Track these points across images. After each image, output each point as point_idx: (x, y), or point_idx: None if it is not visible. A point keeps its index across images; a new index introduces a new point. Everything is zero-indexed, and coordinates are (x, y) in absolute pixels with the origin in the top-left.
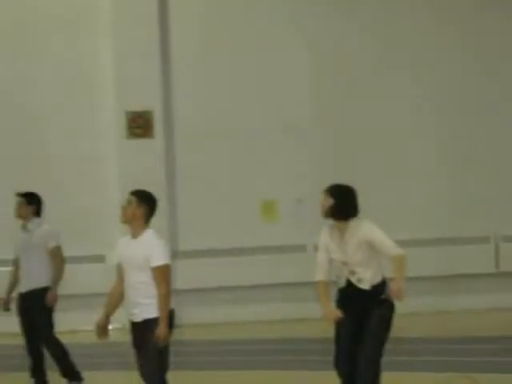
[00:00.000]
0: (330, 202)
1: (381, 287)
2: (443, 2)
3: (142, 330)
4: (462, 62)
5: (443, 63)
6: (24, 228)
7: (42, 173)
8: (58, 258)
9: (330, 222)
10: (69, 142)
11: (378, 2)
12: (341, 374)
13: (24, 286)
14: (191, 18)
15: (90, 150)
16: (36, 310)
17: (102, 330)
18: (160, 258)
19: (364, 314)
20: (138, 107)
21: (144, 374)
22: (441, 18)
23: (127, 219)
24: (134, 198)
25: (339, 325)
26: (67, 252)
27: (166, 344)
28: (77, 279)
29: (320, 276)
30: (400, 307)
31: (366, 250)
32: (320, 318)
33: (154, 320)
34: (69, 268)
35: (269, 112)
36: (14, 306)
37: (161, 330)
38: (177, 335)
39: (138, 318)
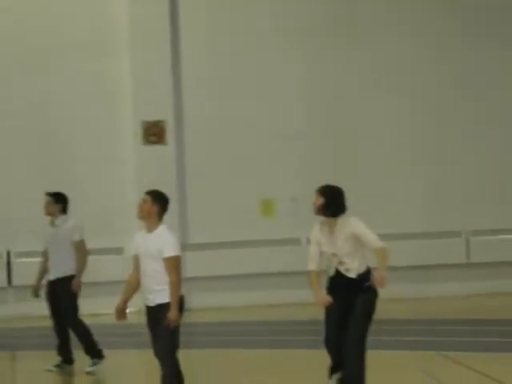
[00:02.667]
0: (321, 200)
1: (365, 275)
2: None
3: (155, 314)
4: (436, 71)
5: (418, 71)
6: (52, 224)
7: (68, 174)
8: (81, 250)
9: (321, 218)
10: (92, 147)
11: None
12: (330, 352)
13: (52, 275)
14: (199, 38)
15: (110, 154)
16: (63, 296)
17: (121, 313)
18: (171, 250)
19: (351, 299)
20: (152, 117)
21: (157, 352)
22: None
23: (143, 216)
24: (149, 198)
25: (329, 309)
26: (90, 244)
27: (177, 326)
28: (99, 268)
29: (312, 266)
30: (382, 293)
31: (352, 243)
32: (312, 302)
33: (166, 305)
34: (91, 259)
35: (270, 122)
36: (43, 293)
37: (172, 313)
38: (186, 318)
39: (152, 303)
